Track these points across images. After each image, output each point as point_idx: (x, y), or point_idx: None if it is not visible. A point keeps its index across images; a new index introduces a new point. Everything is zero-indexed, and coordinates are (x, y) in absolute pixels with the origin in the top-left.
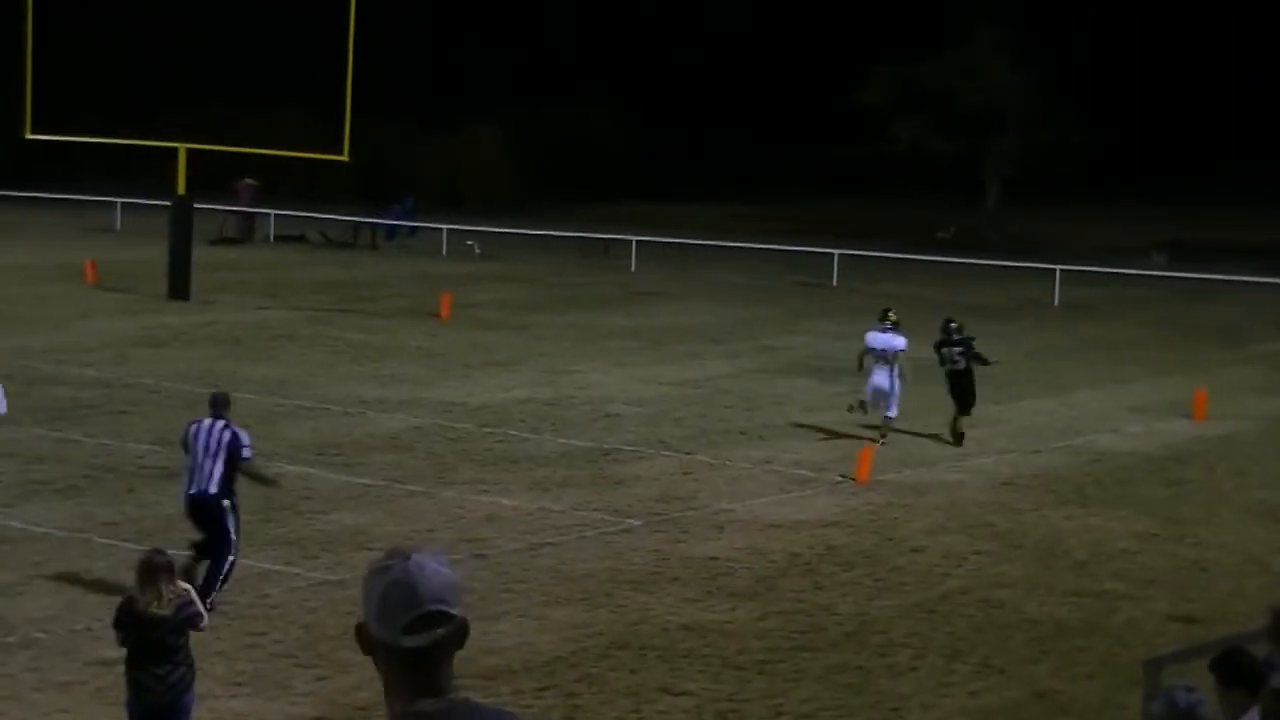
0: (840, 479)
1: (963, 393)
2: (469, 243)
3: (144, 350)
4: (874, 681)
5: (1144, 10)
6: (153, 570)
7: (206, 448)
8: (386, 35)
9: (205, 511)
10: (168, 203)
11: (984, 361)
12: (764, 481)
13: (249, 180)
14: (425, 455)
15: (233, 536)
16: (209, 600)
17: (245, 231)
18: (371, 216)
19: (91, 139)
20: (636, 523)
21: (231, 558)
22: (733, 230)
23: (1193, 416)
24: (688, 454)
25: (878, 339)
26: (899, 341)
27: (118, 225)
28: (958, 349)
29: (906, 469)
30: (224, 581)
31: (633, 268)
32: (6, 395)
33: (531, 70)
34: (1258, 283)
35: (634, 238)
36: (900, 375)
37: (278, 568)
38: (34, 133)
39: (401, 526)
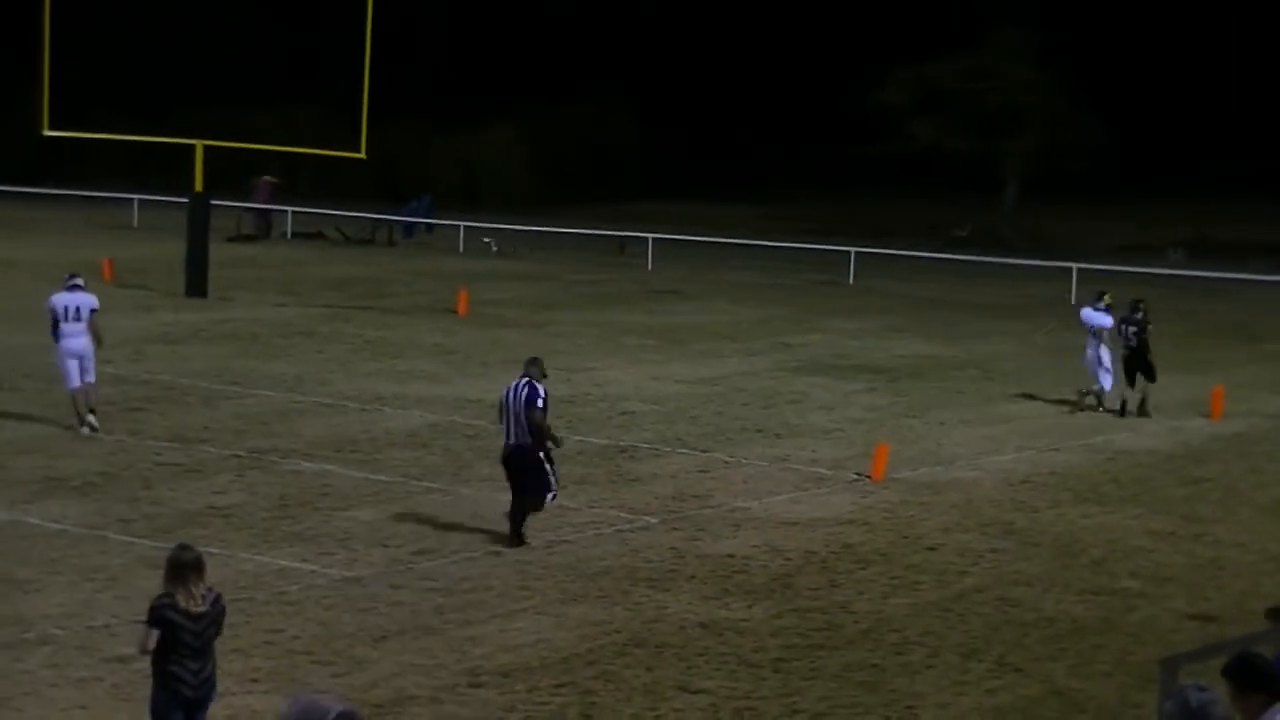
0: (856, 477)
1: (1137, 368)
2: (486, 240)
3: (161, 347)
4: (890, 679)
5: (1161, 9)
6: (181, 567)
7: (514, 403)
8: (404, 33)
9: (521, 458)
10: (185, 200)
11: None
12: (780, 479)
13: (267, 177)
14: (442, 452)
15: (551, 477)
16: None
17: (262, 229)
18: (388, 214)
19: (109, 136)
20: (653, 520)
21: (552, 494)
22: (750, 229)
23: (1210, 415)
24: (704, 452)
25: (1092, 317)
26: (1105, 320)
27: (135, 222)
28: (1133, 329)
29: (923, 467)
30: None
31: (649, 266)
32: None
33: (548, 68)
34: (1275, 281)
35: (650, 235)
36: (1108, 349)
37: (295, 564)
38: (52, 130)
39: (418, 523)
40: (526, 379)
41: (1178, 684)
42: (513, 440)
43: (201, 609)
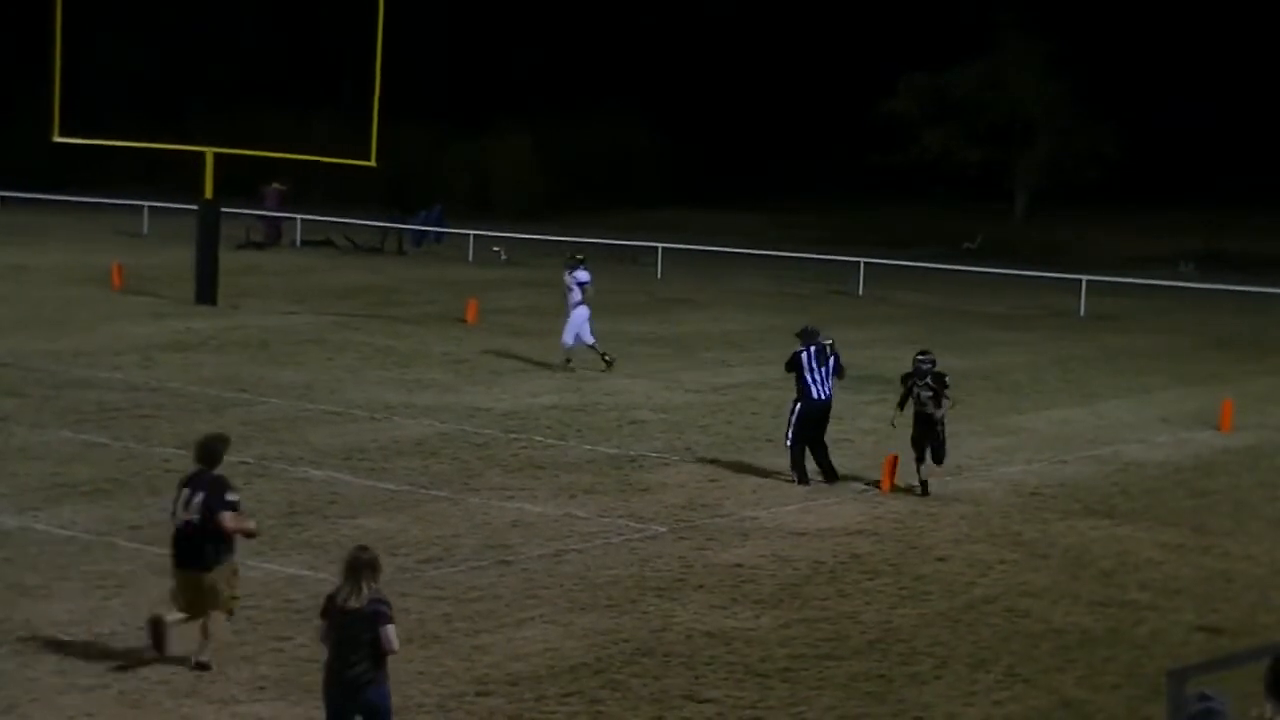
0: (865, 487)
1: (926, 440)
2: (495, 249)
3: (171, 354)
4: (898, 690)
5: (1173, 20)
6: (356, 565)
7: (818, 365)
8: (416, 41)
9: (827, 411)
10: (195, 207)
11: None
12: (789, 489)
13: (276, 185)
14: (451, 460)
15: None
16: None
17: (272, 236)
18: (398, 222)
19: (120, 143)
20: (662, 529)
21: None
22: (760, 238)
23: (1220, 427)
24: (713, 461)
25: None
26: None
27: (145, 229)
28: (926, 392)
29: (932, 478)
30: None
31: (659, 275)
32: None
33: (561, 76)
34: None
35: (661, 245)
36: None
37: (303, 572)
38: (62, 136)
39: (427, 532)
40: (830, 342)
41: (1185, 695)
42: (821, 396)
43: (356, 606)
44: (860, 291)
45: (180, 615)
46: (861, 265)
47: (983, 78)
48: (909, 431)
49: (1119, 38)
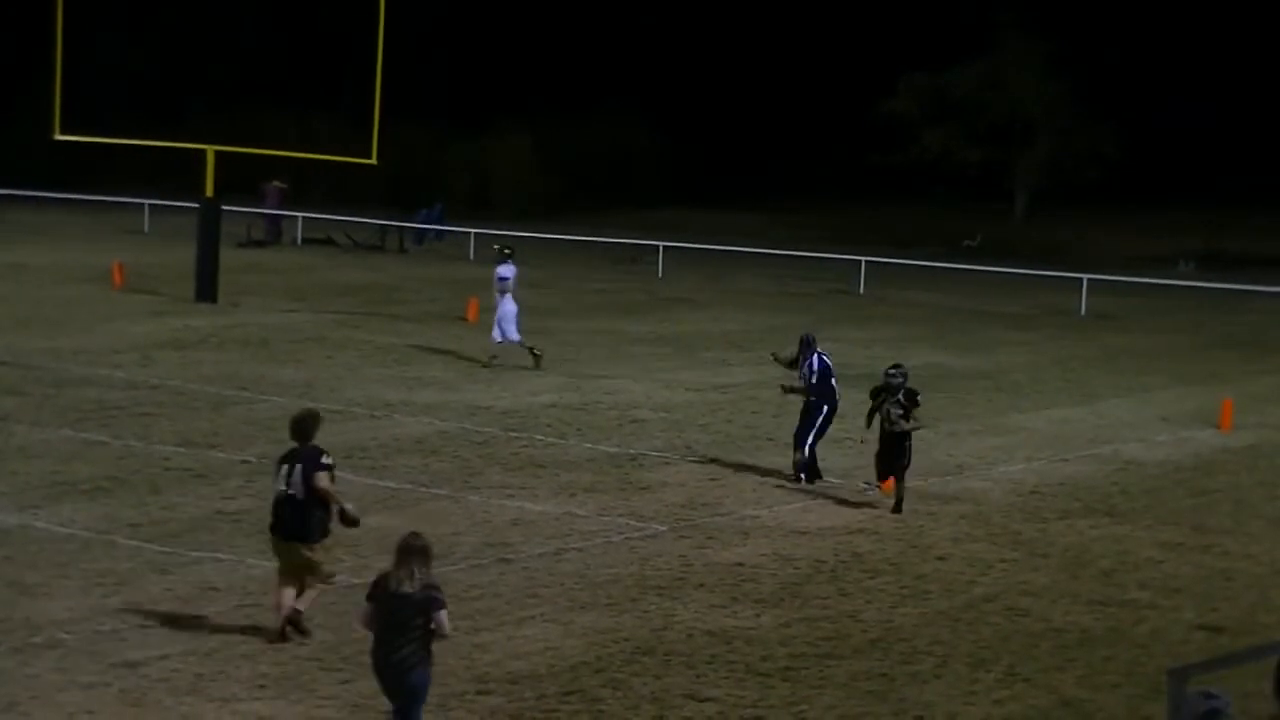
0: (866, 486)
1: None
2: (496, 246)
3: (171, 352)
4: (899, 689)
5: (1171, 20)
6: (408, 551)
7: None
8: (417, 40)
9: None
10: (196, 205)
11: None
12: (790, 488)
13: (276, 183)
14: (452, 459)
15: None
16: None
17: (272, 234)
18: (399, 220)
19: (120, 140)
20: (662, 528)
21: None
22: (761, 237)
23: (1220, 426)
24: (714, 460)
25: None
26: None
27: (146, 227)
28: (898, 410)
29: (932, 477)
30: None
31: (660, 274)
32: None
33: (562, 76)
34: None
35: (661, 244)
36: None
37: None
38: (63, 134)
39: (427, 530)
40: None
41: (1186, 694)
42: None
43: (408, 591)
44: (861, 290)
45: (299, 597)
46: (863, 264)
47: (983, 78)
48: (874, 448)
49: (1119, 38)
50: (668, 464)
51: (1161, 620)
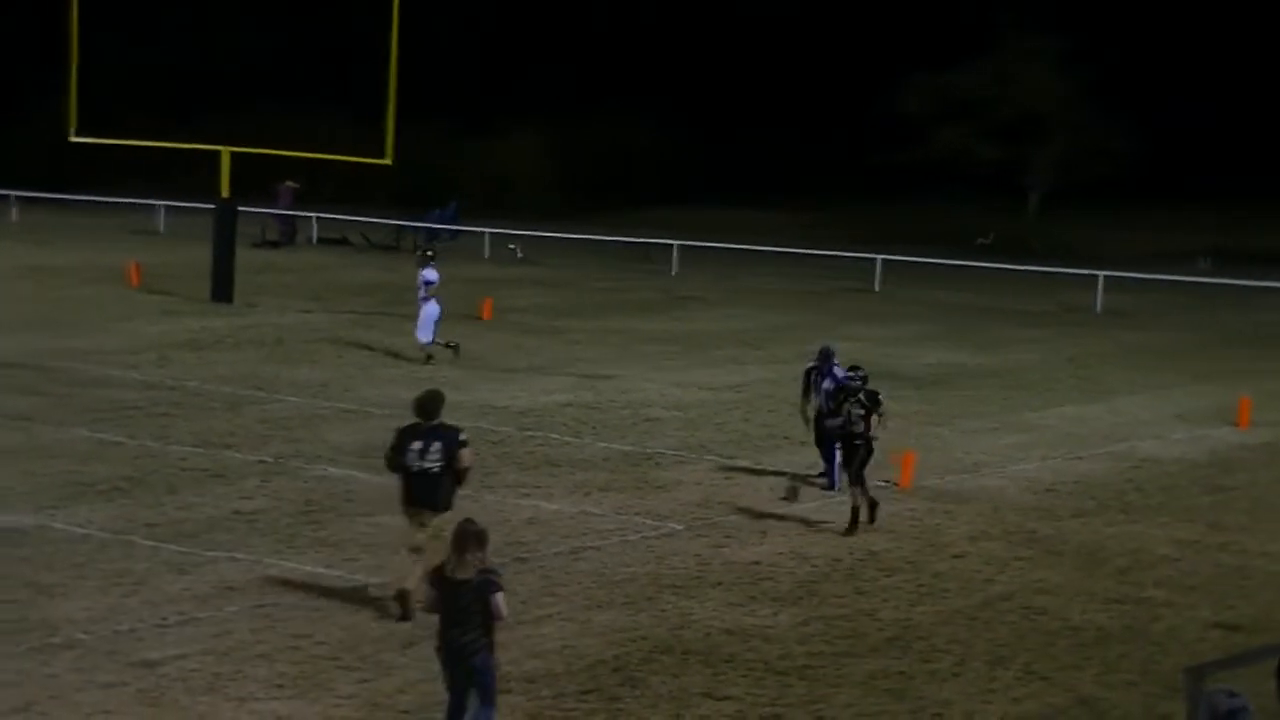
0: (883, 484)
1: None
2: (510, 246)
3: (187, 353)
4: (916, 687)
5: (1185, 14)
6: (464, 537)
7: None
8: (431, 39)
9: None
10: (211, 205)
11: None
12: (806, 487)
13: (289, 183)
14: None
15: None
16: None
17: (287, 234)
18: (413, 220)
19: (135, 142)
20: (679, 527)
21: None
22: (775, 235)
23: (1237, 424)
24: (729, 459)
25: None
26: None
27: (161, 228)
28: (858, 409)
29: (949, 475)
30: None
31: (674, 272)
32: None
33: (576, 74)
34: None
35: (675, 242)
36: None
37: (320, 570)
38: (78, 135)
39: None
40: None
41: (1204, 691)
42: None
43: (465, 577)
44: (876, 288)
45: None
46: (879, 262)
47: (995, 74)
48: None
49: (1132, 33)
50: (683, 463)
51: (1178, 618)
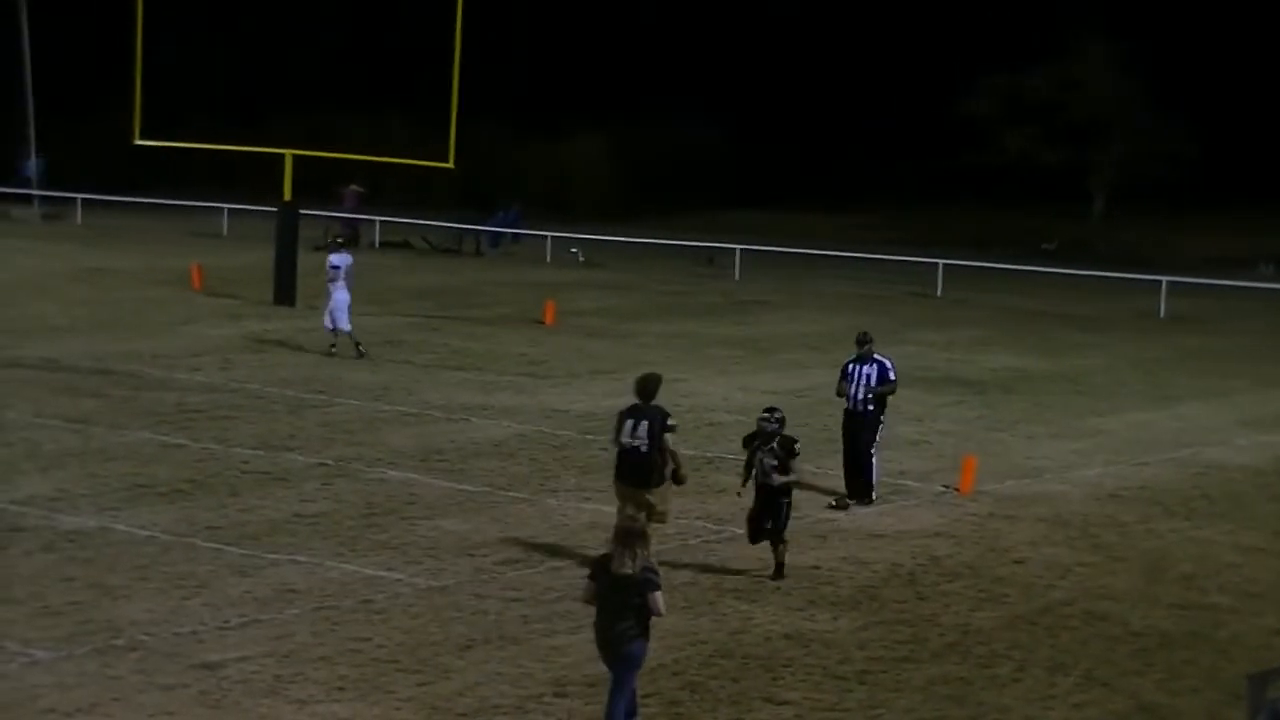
0: (944, 489)
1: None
2: (573, 250)
3: (249, 355)
4: (976, 693)
5: (1251, 17)
6: (629, 535)
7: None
8: (494, 42)
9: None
10: (274, 209)
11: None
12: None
13: (354, 186)
14: (528, 462)
15: None
16: None
17: (350, 237)
18: (476, 223)
19: (199, 145)
20: (739, 531)
21: None
22: (838, 239)
23: None
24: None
25: None
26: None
27: (224, 231)
28: (770, 460)
29: (1010, 480)
30: None
31: (737, 276)
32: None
33: (637, 77)
34: None
35: (738, 246)
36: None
37: (380, 573)
38: (143, 139)
39: (504, 533)
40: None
41: (1266, 699)
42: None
43: (628, 572)
44: (939, 293)
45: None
46: (941, 266)
47: (1060, 78)
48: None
49: (1197, 36)
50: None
51: (1242, 625)
